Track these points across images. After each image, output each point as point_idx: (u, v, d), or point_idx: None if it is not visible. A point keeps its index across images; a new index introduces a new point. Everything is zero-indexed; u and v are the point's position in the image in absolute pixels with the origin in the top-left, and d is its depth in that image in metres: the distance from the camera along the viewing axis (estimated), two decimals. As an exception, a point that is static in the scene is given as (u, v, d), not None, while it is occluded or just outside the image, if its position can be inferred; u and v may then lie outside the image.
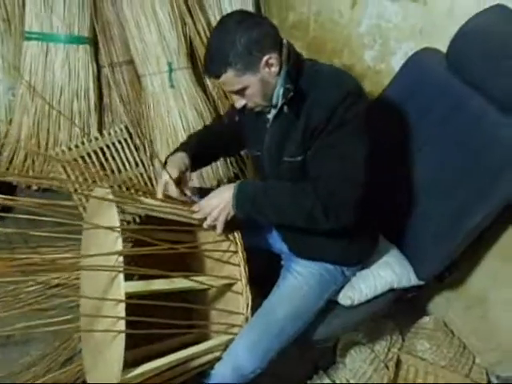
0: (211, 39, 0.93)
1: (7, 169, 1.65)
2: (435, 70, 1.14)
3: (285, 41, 0.95)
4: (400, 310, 1.45)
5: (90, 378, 1.02)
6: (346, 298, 1.12)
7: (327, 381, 1.33)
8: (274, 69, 0.91)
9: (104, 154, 1.65)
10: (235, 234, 1.03)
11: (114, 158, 1.67)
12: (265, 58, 0.89)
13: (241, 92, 0.93)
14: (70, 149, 1.59)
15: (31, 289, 1.45)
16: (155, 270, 0.89)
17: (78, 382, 1.22)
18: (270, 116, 0.99)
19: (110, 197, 0.91)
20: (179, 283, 0.94)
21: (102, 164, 1.64)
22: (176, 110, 1.67)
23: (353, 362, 1.38)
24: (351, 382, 1.34)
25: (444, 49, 1.13)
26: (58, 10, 1.54)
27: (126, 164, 1.69)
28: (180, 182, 1.04)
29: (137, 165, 1.72)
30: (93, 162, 1.62)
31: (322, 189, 0.90)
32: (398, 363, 1.36)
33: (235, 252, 1.02)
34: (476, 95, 1.05)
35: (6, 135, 1.70)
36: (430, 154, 1.18)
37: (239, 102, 0.96)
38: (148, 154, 1.73)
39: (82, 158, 1.61)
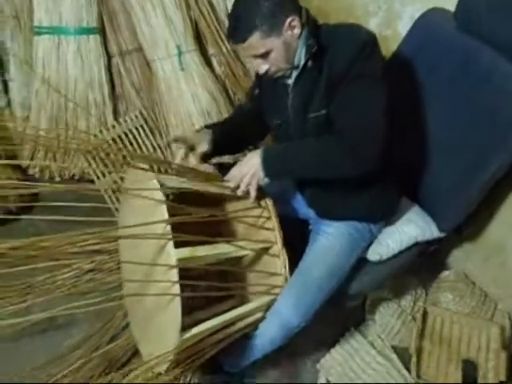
0: (235, 5, 0.96)
1: (28, 165, 1.69)
2: (444, 28, 1.18)
3: (304, 7, 1.00)
4: (422, 266, 1.52)
5: (142, 348, 1.08)
6: (375, 253, 1.18)
7: (359, 337, 1.40)
8: (297, 31, 0.96)
9: (122, 141, 1.69)
10: (267, 200, 1.08)
11: (131, 144, 1.71)
12: (288, 20, 0.94)
13: (265, 56, 0.97)
14: (89, 139, 1.64)
15: (67, 275, 1.52)
16: (201, 237, 0.94)
17: (128, 355, 1.28)
18: (292, 78, 1.04)
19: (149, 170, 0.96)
20: (222, 248, 0.99)
21: (120, 151, 1.69)
22: (188, 92, 1.71)
23: (382, 317, 1.45)
24: (382, 336, 1.42)
25: (450, 8, 1.17)
26: (65, 2, 1.57)
27: (144, 149, 1.73)
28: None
29: (154, 149, 1.76)
30: (112, 150, 1.66)
31: (345, 140, 0.95)
32: (425, 315, 1.43)
33: (268, 218, 1.07)
34: (486, 49, 1.09)
35: (24, 131, 1.74)
36: (443, 110, 1.22)
37: (262, 67, 1.00)
38: (164, 138, 1.78)
39: (101, 146, 1.65)
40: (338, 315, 1.45)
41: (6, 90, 1.73)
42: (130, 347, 1.29)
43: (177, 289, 0.86)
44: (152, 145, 1.76)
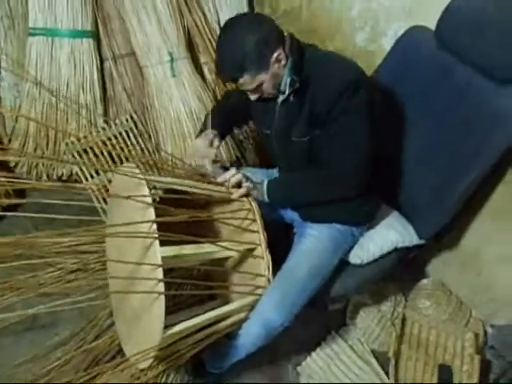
0: (221, 46, 0.98)
1: (17, 162, 1.70)
2: (425, 45, 1.24)
3: (286, 33, 1.02)
4: (401, 274, 1.57)
5: (126, 346, 1.09)
6: (356, 257, 1.22)
7: (340, 341, 1.44)
8: (283, 62, 0.99)
9: (111, 143, 1.71)
10: (252, 203, 1.11)
11: (121, 147, 1.73)
12: (274, 56, 0.96)
13: (256, 89, 1.01)
14: (78, 140, 1.65)
15: (50, 275, 1.51)
16: (187, 237, 0.97)
17: (112, 353, 1.29)
18: (279, 99, 1.07)
19: (138, 174, 0.98)
20: (207, 248, 1.02)
21: (109, 153, 1.70)
22: (179, 97, 1.75)
23: (362, 321, 1.49)
24: (362, 340, 1.45)
25: (431, 27, 1.23)
26: (61, 5, 1.60)
27: (133, 152, 1.75)
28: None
29: (143, 152, 1.78)
30: (101, 152, 1.68)
31: (334, 172, 1.05)
32: (404, 320, 1.48)
33: (253, 220, 1.11)
34: (463, 66, 1.15)
35: (13, 131, 1.75)
36: (422, 123, 1.27)
37: (254, 96, 1.06)
38: (153, 141, 1.80)
39: (91, 148, 1.67)
40: (319, 319, 1.49)
41: (-4, 89, 1.74)
42: (114, 346, 1.29)
43: (161, 287, 0.88)
44: (141, 148, 1.78)
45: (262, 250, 1.08)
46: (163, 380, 1.24)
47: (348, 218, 1.18)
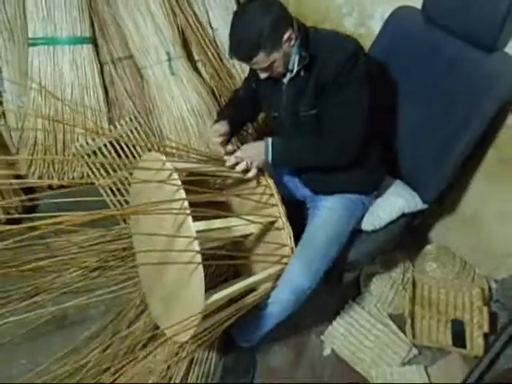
0: (236, 28, 1.05)
1: (27, 171, 1.74)
2: (413, 23, 1.33)
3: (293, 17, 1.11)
4: (407, 242, 1.66)
5: (165, 325, 1.15)
6: (369, 224, 1.31)
7: (357, 308, 1.52)
8: (293, 41, 1.08)
9: (119, 143, 1.77)
10: (268, 179, 1.19)
11: (128, 147, 1.79)
12: (286, 35, 1.05)
13: (268, 67, 1.09)
14: (87, 143, 1.71)
15: (75, 273, 1.57)
16: (215, 212, 1.04)
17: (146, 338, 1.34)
18: (286, 79, 1.16)
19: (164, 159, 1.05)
20: (234, 222, 1.09)
21: (117, 153, 1.76)
22: (179, 95, 1.81)
23: (376, 289, 1.58)
24: (378, 305, 1.54)
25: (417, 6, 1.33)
26: (59, 13, 1.65)
27: (140, 151, 1.81)
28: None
29: (149, 150, 1.84)
30: (109, 152, 1.74)
31: (336, 138, 1.13)
32: (414, 284, 1.57)
33: (271, 195, 1.18)
34: (451, 39, 1.25)
35: (19, 141, 1.79)
36: (416, 96, 1.37)
37: (264, 75, 1.13)
38: (158, 139, 1.86)
39: (99, 149, 1.73)
40: (336, 290, 1.57)
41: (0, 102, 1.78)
42: (146, 333, 1.35)
43: (199, 258, 0.94)
44: (146, 146, 1.84)
45: (283, 221, 1.16)
46: (197, 356, 1.30)
47: (357, 187, 1.28)
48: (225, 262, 1.12)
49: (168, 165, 1.02)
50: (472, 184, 1.53)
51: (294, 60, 1.10)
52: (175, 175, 1.01)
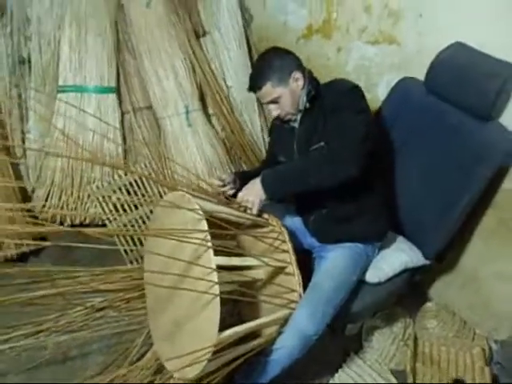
0: (255, 64, 1.33)
1: (41, 210, 1.79)
2: (417, 92, 1.47)
3: (307, 68, 1.31)
4: (407, 299, 1.70)
5: (170, 363, 1.14)
6: (374, 276, 1.36)
7: (360, 362, 1.52)
8: (300, 82, 1.26)
9: (132, 187, 1.84)
10: (281, 226, 1.25)
11: (141, 190, 1.86)
12: (293, 74, 1.25)
13: (275, 101, 1.26)
14: (102, 185, 1.78)
15: (80, 313, 1.57)
16: (234, 249, 1.09)
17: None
18: (298, 120, 1.31)
19: (187, 197, 1.11)
20: (249, 261, 1.14)
21: (130, 196, 1.83)
22: (194, 145, 1.92)
23: (378, 343, 1.58)
24: (379, 360, 1.54)
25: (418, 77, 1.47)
26: (90, 65, 1.79)
27: (152, 196, 1.88)
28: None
29: (161, 196, 1.91)
30: (123, 195, 1.81)
31: (334, 153, 1.15)
32: (415, 340, 1.58)
33: (283, 241, 1.24)
34: (452, 109, 1.37)
35: (38, 180, 1.86)
36: (421, 159, 1.46)
37: (274, 112, 1.29)
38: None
39: (114, 192, 1.80)
40: (337, 343, 1.58)
41: (23, 141, 1.87)
42: (148, 371, 1.34)
43: (216, 290, 0.97)
44: (158, 191, 1.91)
45: (293, 268, 1.20)
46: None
47: (362, 236, 1.34)
48: (236, 298, 1.13)
49: (191, 199, 1.08)
50: (471, 243, 1.59)
51: (304, 100, 1.26)
52: (199, 210, 1.06)
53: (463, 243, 1.60)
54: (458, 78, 1.33)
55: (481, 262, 1.59)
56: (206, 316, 1.00)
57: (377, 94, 1.71)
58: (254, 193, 1.21)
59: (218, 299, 0.97)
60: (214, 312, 0.97)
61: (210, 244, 1.00)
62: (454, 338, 1.59)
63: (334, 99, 1.22)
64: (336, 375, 1.48)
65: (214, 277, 0.98)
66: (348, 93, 1.22)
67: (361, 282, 1.36)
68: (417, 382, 1.47)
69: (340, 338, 1.58)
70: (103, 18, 1.83)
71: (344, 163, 1.13)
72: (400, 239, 1.49)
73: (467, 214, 1.38)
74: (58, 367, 1.44)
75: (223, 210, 1.17)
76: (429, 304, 1.73)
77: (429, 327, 1.64)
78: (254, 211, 1.21)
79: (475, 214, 1.47)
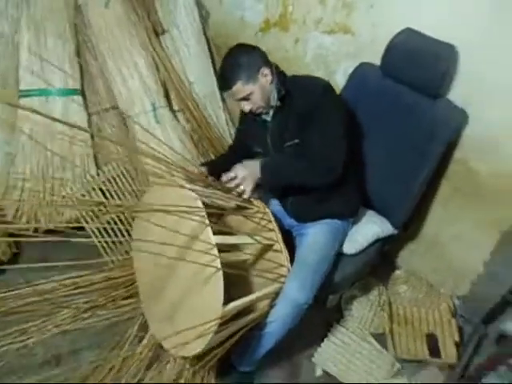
0: (223, 64, 1.31)
1: (15, 216, 1.75)
2: (374, 76, 1.59)
3: (274, 63, 1.35)
4: (379, 269, 1.84)
5: (170, 340, 1.19)
6: (351, 248, 1.48)
7: (342, 330, 1.64)
8: (269, 78, 1.31)
9: (106, 187, 1.84)
10: (266, 208, 1.33)
11: (114, 191, 1.87)
12: (261, 70, 1.29)
13: (247, 97, 1.30)
14: (76, 188, 1.77)
15: (67, 315, 1.56)
16: (228, 229, 1.15)
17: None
18: (270, 115, 1.37)
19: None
20: (243, 239, 1.21)
21: (105, 196, 1.83)
22: (164, 142, 1.94)
23: (357, 311, 1.71)
24: (360, 326, 1.67)
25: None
26: (52, 67, 1.76)
27: (126, 194, 1.89)
28: None
29: (135, 194, 1.93)
30: (97, 196, 1.81)
31: (319, 162, 1.26)
32: (390, 304, 1.73)
33: (269, 221, 1.32)
34: (407, 90, 1.51)
35: (6, 188, 1.81)
36: (381, 138, 1.60)
37: (246, 107, 1.33)
38: (141, 183, 1.96)
39: (88, 193, 1.79)
40: (320, 315, 1.68)
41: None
42: (142, 364, 1.37)
43: (218, 264, 1.03)
44: (132, 189, 1.93)
45: (280, 245, 1.29)
46: (198, 380, 1.34)
47: (337, 213, 1.44)
48: (231, 271, 1.20)
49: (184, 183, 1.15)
50: (431, 211, 1.75)
51: (274, 96, 1.32)
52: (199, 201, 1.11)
53: (424, 212, 1.76)
54: (410, 61, 1.45)
55: (440, 227, 1.75)
56: (208, 291, 1.06)
57: (336, 81, 1.83)
58: (251, 177, 1.26)
59: (220, 273, 1.02)
60: (218, 286, 1.03)
61: (207, 222, 1.06)
62: (423, 298, 1.75)
63: (308, 100, 1.27)
64: (322, 345, 1.59)
65: (215, 251, 1.04)
66: (323, 93, 1.27)
67: (339, 255, 1.47)
68: (395, 341, 1.61)
69: (322, 310, 1.69)
70: (61, 20, 1.81)
71: (333, 163, 1.26)
72: (370, 213, 1.61)
73: (426, 185, 1.54)
74: (51, 369, 1.44)
75: (211, 195, 1.24)
76: (398, 272, 1.89)
77: (400, 292, 1.79)
78: (248, 193, 1.27)
79: (433, 184, 1.63)
